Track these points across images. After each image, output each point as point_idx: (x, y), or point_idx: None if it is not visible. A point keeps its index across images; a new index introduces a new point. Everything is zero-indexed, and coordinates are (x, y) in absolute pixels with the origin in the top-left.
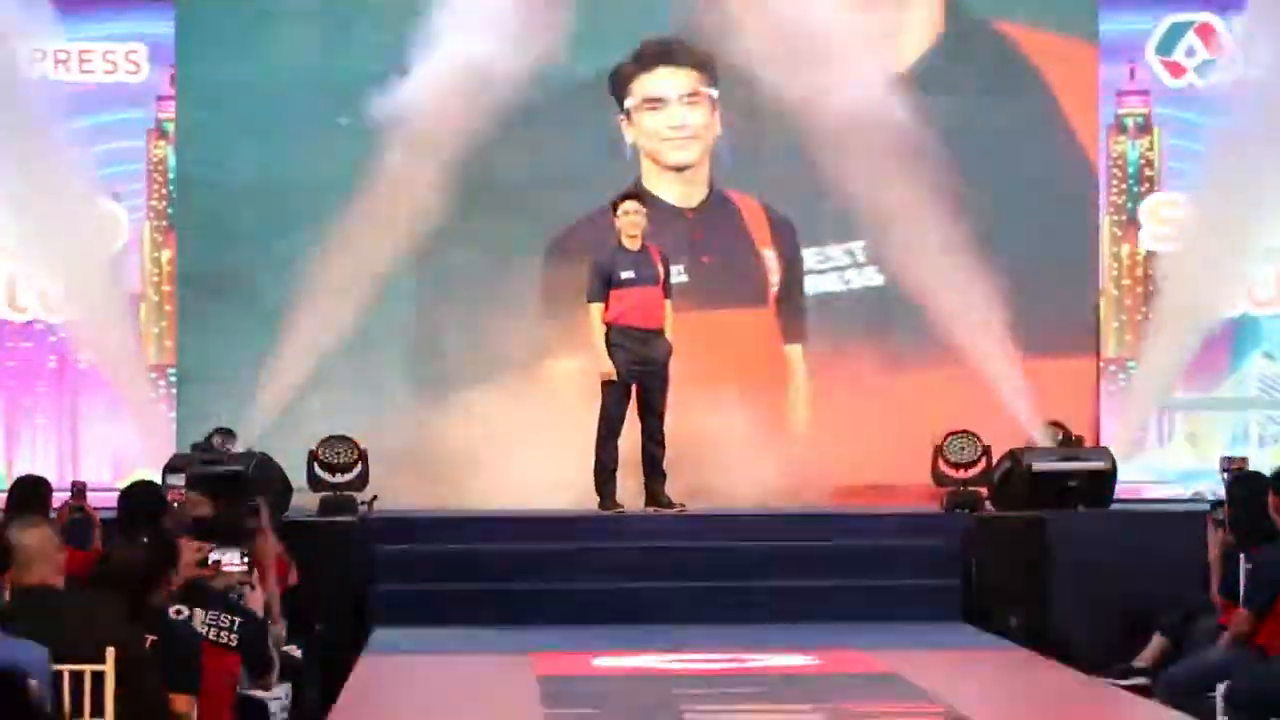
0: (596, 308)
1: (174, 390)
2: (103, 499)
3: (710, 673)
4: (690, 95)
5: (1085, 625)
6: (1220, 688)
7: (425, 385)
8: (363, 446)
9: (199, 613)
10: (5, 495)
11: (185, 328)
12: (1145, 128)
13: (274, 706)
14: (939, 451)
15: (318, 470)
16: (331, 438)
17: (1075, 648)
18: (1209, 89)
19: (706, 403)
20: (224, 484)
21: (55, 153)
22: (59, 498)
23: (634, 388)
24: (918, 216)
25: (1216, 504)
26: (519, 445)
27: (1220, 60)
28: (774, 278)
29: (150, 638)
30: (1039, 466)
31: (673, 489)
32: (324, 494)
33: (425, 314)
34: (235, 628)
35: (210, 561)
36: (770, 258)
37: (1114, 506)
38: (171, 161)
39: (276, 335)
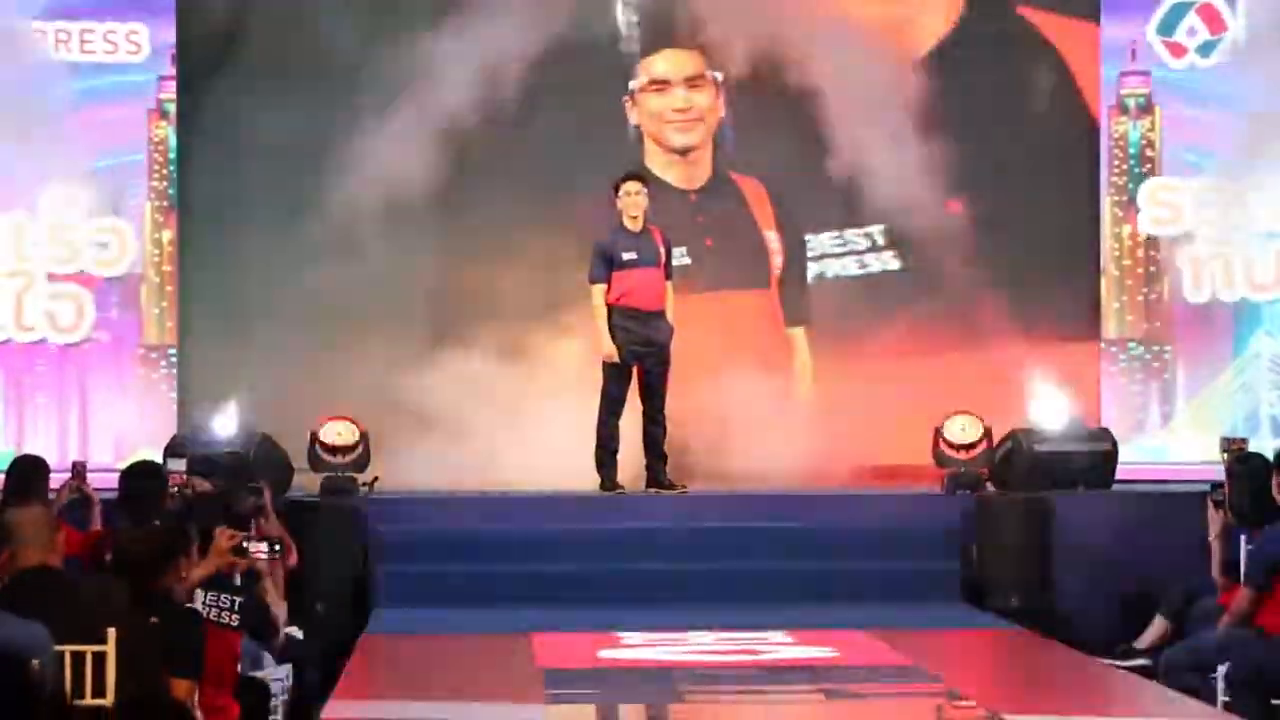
0: (598, 289)
1: (175, 371)
2: (104, 479)
3: (717, 664)
4: (695, 78)
5: (1086, 606)
6: (1221, 668)
7: (428, 367)
8: (364, 428)
9: (199, 593)
10: (4, 475)
11: (186, 308)
12: (1146, 108)
13: (275, 687)
14: (940, 432)
15: (319, 451)
16: (333, 419)
17: (1076, 629)
18: (1210, 69)
19: (708, 385)
20: (225, 466)
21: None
22: (59, 478)
23: (635, 369)
24: (928, 199)
25: (1216, 484)
26: (520, 426)
27: (1222, 40)
28: (776, 260)
29: (152, 620)
30: (1040, 447)
31: (674, 470)
32: (325, 475)
33: (429, 296)
34: (235, 607)
35: (245, 550)
36: (772, 239)
37: (1115, 487)
38: (172, 141)
39: (277, 317)
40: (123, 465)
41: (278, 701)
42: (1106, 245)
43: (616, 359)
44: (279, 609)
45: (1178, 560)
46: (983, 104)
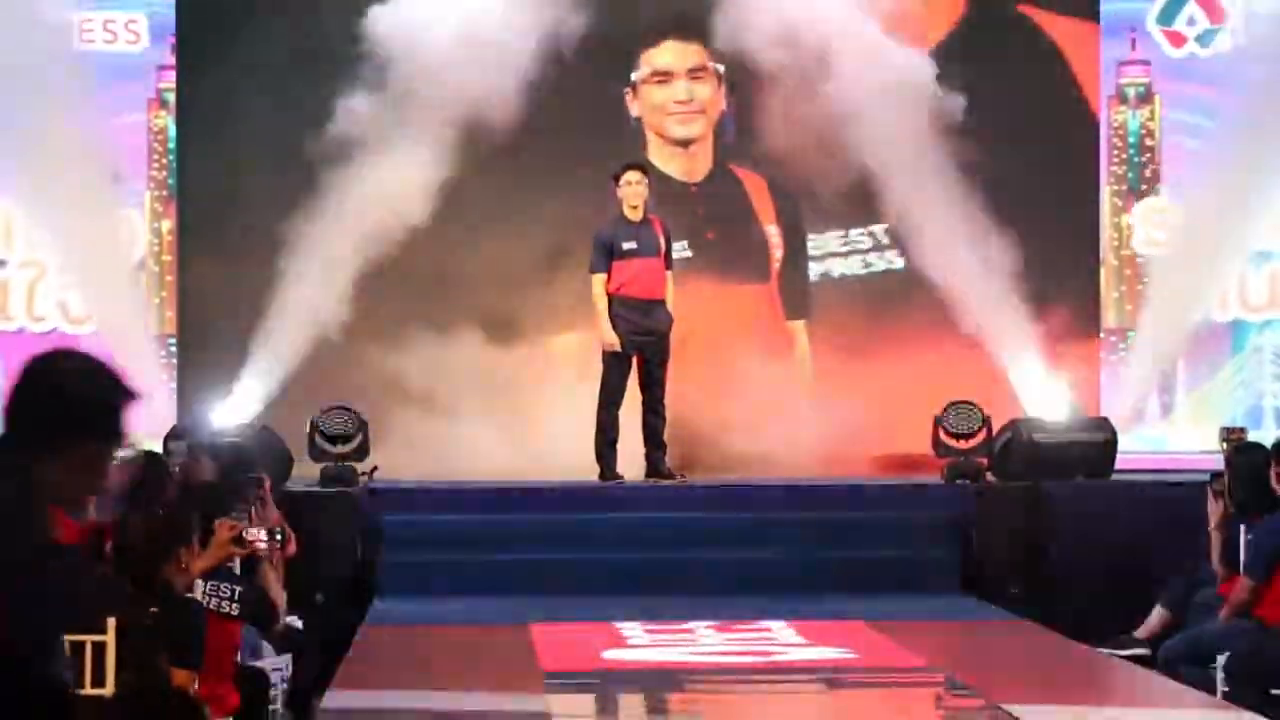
0: (598, 279)
1: (174, 360)
2: None
3: (725, 665)
4: (697, 69)
5: (1085, 596)
6: (1220, 658)
7: (429, 356)
8: (363, 417)
9: (199, 583)
10: None
11: (186, 297)
12: (1146, 98)
13: (274, 677)
14: (939, 422)
15: (318, 441)
16: (332, 408)
17: (1075, 618)
18: (1210, 59)
19: (708, 376)
20: (225, 455)
21: (69, 140)
22: None
23: (635, 359)
24: (930, 194)
25: (1216, 474)
26: (520, 416)
27: (1221, 30)
28: (777, 254)
29: (152, 609)
30: (1040, 437)
31: (684, 459)
32: (325, 465)
33: (431, 285)
34: (235, 596)
35: (245, 540)
36: (773, 234)
37: (1115, 477)
38: (172, 131)
39: (277, 305)
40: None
41: (277, 691)
42: (1106, 235)
43: (617, 348)
44: (279, 596)
45: (1177, 550)
46: (984, 98)
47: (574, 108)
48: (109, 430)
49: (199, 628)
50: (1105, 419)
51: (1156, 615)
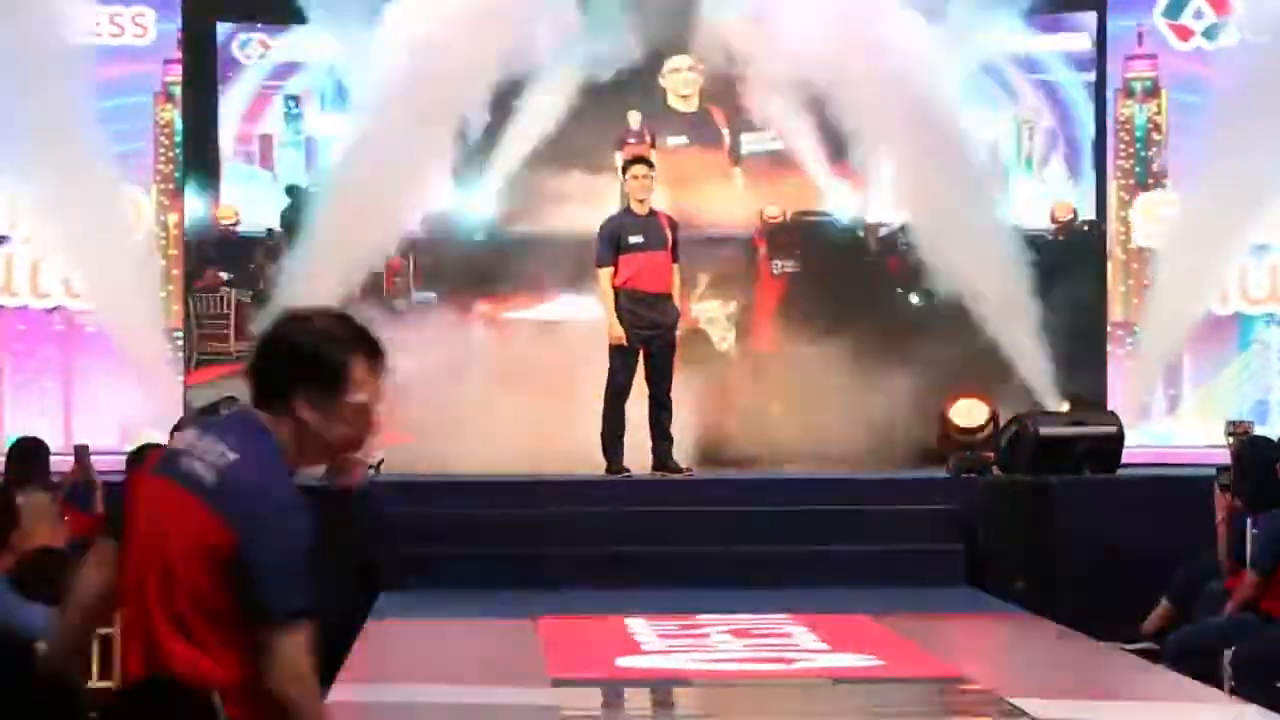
0: (605, 272)
1: (181, 354)
2: (109, 462)
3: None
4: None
5: (1091, 589)
6: (1227, 653)
7: (434, 348)
8: None
9: None
10: (4, 458)
11: (193, 291)
12: (1153, 91)
13: None
14: (946, 416)
15: None
16: None
17: (1081, 612)
18: (1217, 52)
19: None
20: None
21: (75, 128)
22: (63, 460)
23: (642, 352)
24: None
25: (1223, 469)
26: (527, 409)
27: (1227, 23)
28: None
29: None
30: (1046, 431)
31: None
32: None
33: (434, 276)
34: None
35: None
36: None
37: (1121, 471)
38: (178, 125)
39: (282, 299)
40: (129, 448)
41: None
42: (1113, 229)
43: (624, 342)
44: None
45: (1183, 544)
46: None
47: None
48: (342, 381)
49: None
50: (1112, 412)
51: (1162, 609)
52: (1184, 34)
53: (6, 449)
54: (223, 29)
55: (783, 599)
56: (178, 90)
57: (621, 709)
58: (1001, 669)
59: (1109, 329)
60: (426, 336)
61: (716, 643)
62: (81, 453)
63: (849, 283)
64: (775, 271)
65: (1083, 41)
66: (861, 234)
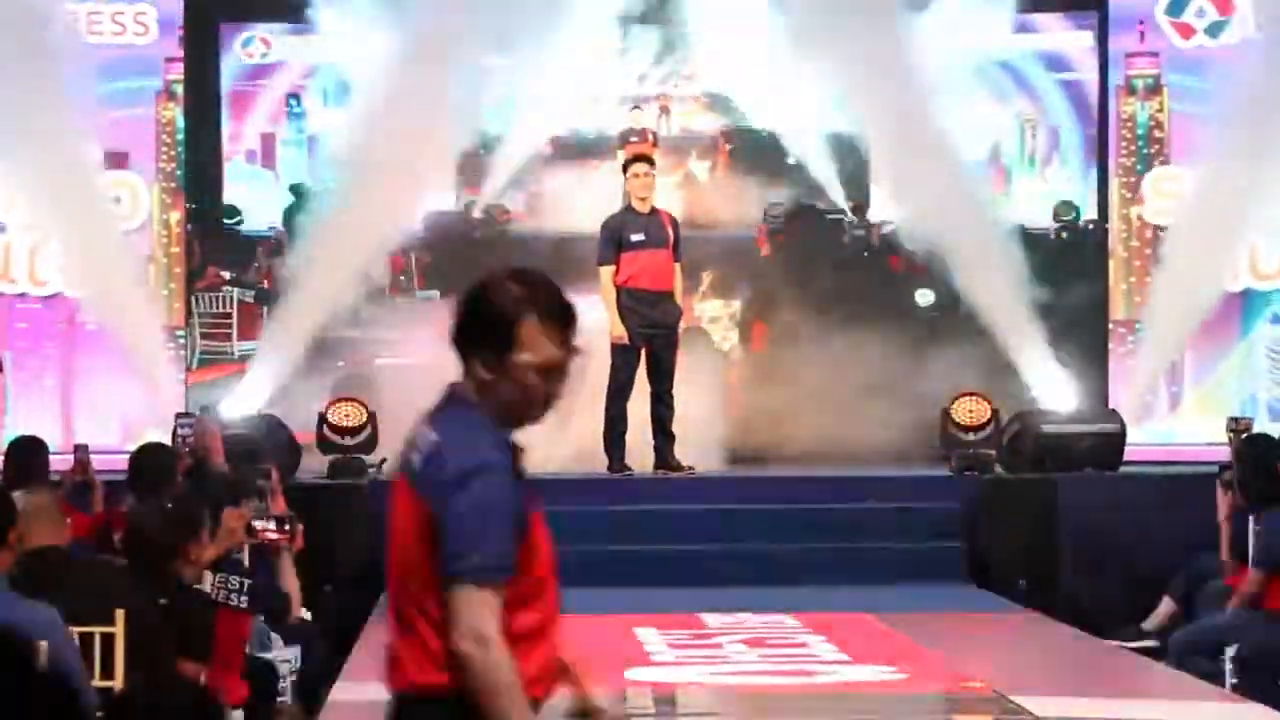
0: (606, 270)
1: (183, 352)
2: (109, 461)
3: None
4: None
5: (1094, 588)
6: (1230, 650)
7: (437, 347)
8: (372, 408)
9: (208, 575)
10: (3, 457)
11: (195, 288)
12: (1155, 89)
13: (283, 669)
14: (948, 414)
15: (327, 433)
16: (341, 399)
17: (1084, 610)
18: (1219, 50)
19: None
20: (233, 448)
21: (72, 117)
22: (62, 460)
23: (643, 350)
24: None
25: (1225, 466)
26: None
27: (1230, 21)
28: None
29: (161, 601)
30: (1048, 429)
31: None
32: (333, 456)
33: (435, 275)
34: (245, 589)
35: (254, 529)
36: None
37: (1123, 469)
38: (180, 123)
39: (285, 298)
40: (130, 447)
41: (286, 683)
42: (1115, 227)
43: (625, 340)
44: (294, 588)
45: (1185, 542)
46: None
47: None
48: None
49: (208, 620)
50: (1114, 411)
51: (1165, 607)
52: (1186, 32)
53: (6, 447)
54: (225, 28)
55: (785, 597)
56: (180, 89)
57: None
58: (1003, 667)
59: (1110, 327)
60: (429, 335)
61: (730, 653)
62: (81, 452)
63: (851, 280)
64: (777, 268)
65: (1085, 39)
66: (864, 232)
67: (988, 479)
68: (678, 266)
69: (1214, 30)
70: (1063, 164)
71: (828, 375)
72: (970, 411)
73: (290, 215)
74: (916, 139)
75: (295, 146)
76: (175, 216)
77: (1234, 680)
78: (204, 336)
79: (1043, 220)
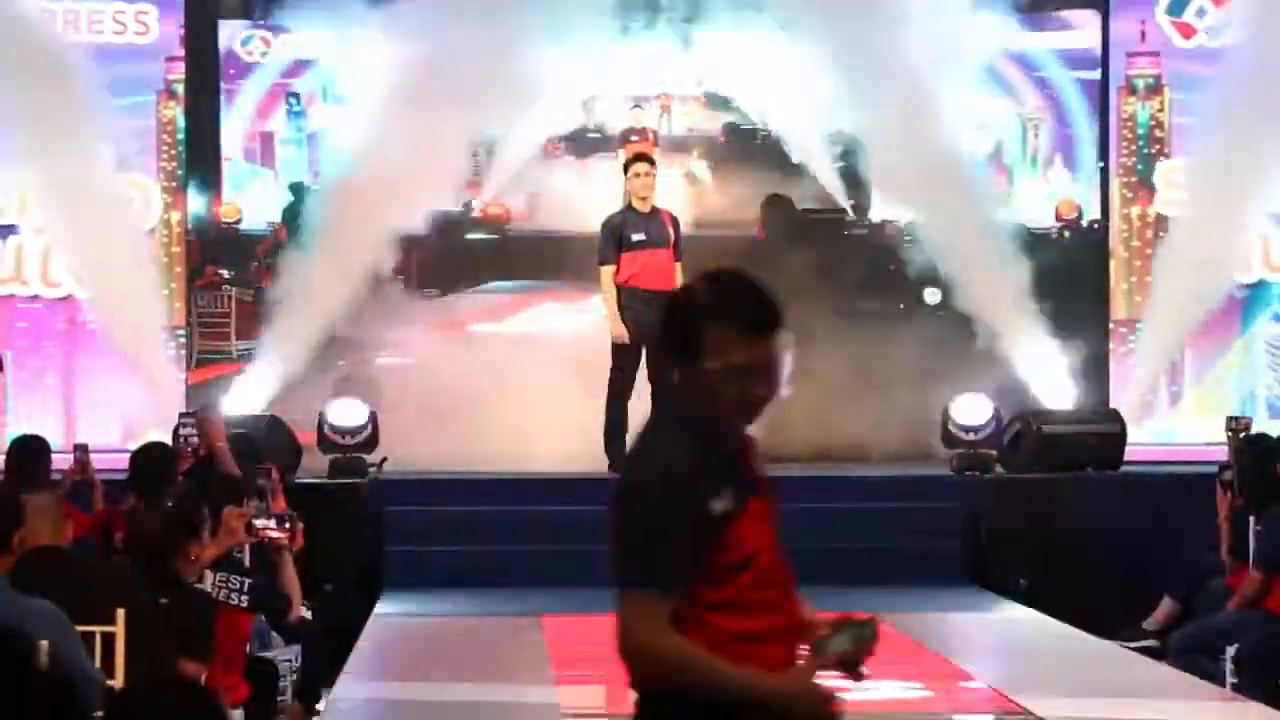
0: (607, 270)
1: (184, 351)
2: (110, 460)
3: None
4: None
5: (1094, 587)
6: (1230, 650)
7: (438, 347)
8: (373, 407)
9: (208, 574)
10: (5, 456)
11: (193, 289)
12: (1155, 89)
13: (284, 668)
14: (948, 414)
15: (327, 432)
16: (341, 399)
17: (1084, 610)
18: (1219, 50)
19: None
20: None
21: (80, 119)
22: (62, 459)
23: (644, 349)
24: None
25: (1225, 466)
26: (529, 407)
27: (1230, 20)
28: None
29: (162, 601)
30: (1049, 429)
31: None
32: (334, 456)
33: (435, 275)
34: (245, 588)
35: (254, 528)
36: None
37: (1124, 469)
38: (180, 122)
39: (286, 299)
40: (131, 446)
41: (286, 681)
42: (1115, 226)
43: (625, 339)
44: (294, 588)
45: (1186, 542)
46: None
47: None
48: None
49: (209, 619)
50: (1115, 410)
51: (1165, 607)
52: (1187, 31)
53: (8, 446)
54: (225, 26)
55: None
56: (181, 88)
57: None
58: (1003, 667)
59: (1111, 326)
60: (429, 334)
61: None
62: (81, 452)
63: (851, 280)
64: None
65: (1086, 39)
66: (865, 231)
67: (988, 479)
68: (679, 266)
69: (1214, 30)
70: (1065, 163)
71: (827, 375)
72: (971, 411)
73: (289, 214)
74: (918, 138)
75: (294, 145)
76: (176, 216)
77: (1234, 680)
78: (202, 336)
79: (1045, 220)
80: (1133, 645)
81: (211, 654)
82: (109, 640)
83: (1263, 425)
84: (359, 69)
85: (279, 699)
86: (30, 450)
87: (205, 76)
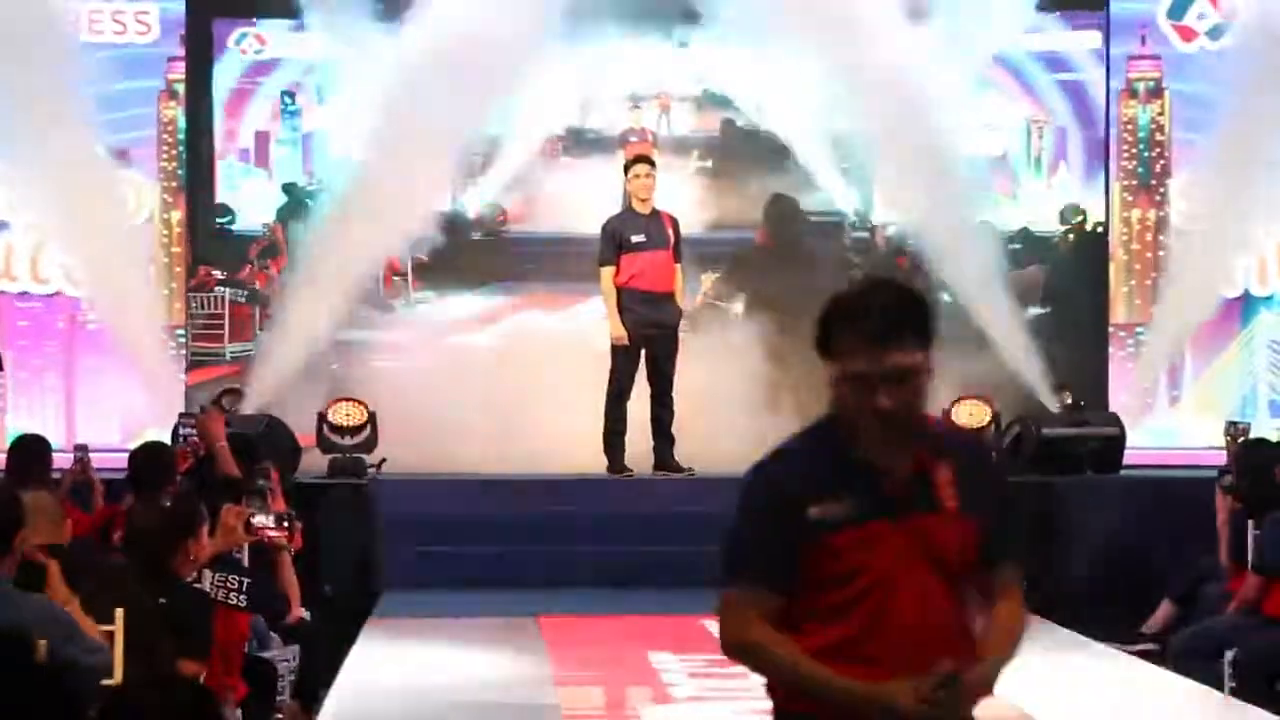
0: (606, 271)
1: (184, 351)
2: (109, 460)
3: None
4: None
5: (1093, 591)
6: (1229, 654)
7: (436, 348)
8: (372, 408)
9: (207, 574)
10: (5, 455)
11: (189, 289)
12: (1156, 92)
13: (282, 668)
14: (947, 416)
15: (327, 432)
16: (341, 399)
17: (1083, 613)
18: (1220, 53)
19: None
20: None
21: (74, 115)
22: (62, 458)
23: (643, 351)
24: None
25: (1225, 470)
26: (529, 408)
27: (1231, 24)
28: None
29: (160, 600)
30: (1048, 432)
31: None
32: (333, 456)
33: (432, 276)
34: (243, 588)
35: (252, 526)
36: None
37: (1123, 472)
38: (181, 123)
39: (280, 299)
40: (131, 446)
41: (285, 683)
42: (1115, 230)
43: (625, 341)
44: (293, 588)
45: (1185, 545)
46: None
47: None
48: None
49: (207, 619)
50: (1114, 414)
51: (1164, 611)
52: (1188, 35)
53: (8, 446)
54: (220, 25)
55: None
56: (181, 88)
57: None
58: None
59: (1111, 330)
60: (426, 336)
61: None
62: (80, 451)
63: (853, 281)
64: (778, 271)
65: (1089, 41)
66: (867, 234)
67: None
68: (679, 268)
69: (1215, 33)
70: (1069, 167)
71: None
72: (970, 414)
73: (284, 215)
74: (920, 141)
75: (290, 145)
76: (176, 216)
77: (1233, 684)
78: (195, 338)
79: (1049, 224)
80: (1131, 649)
81: (210, 653)
82: (107, 639)
83: (1264, 425)
84: (355, 68)
85: (278, 699)
86: (30, 450)
87: (200, 76)
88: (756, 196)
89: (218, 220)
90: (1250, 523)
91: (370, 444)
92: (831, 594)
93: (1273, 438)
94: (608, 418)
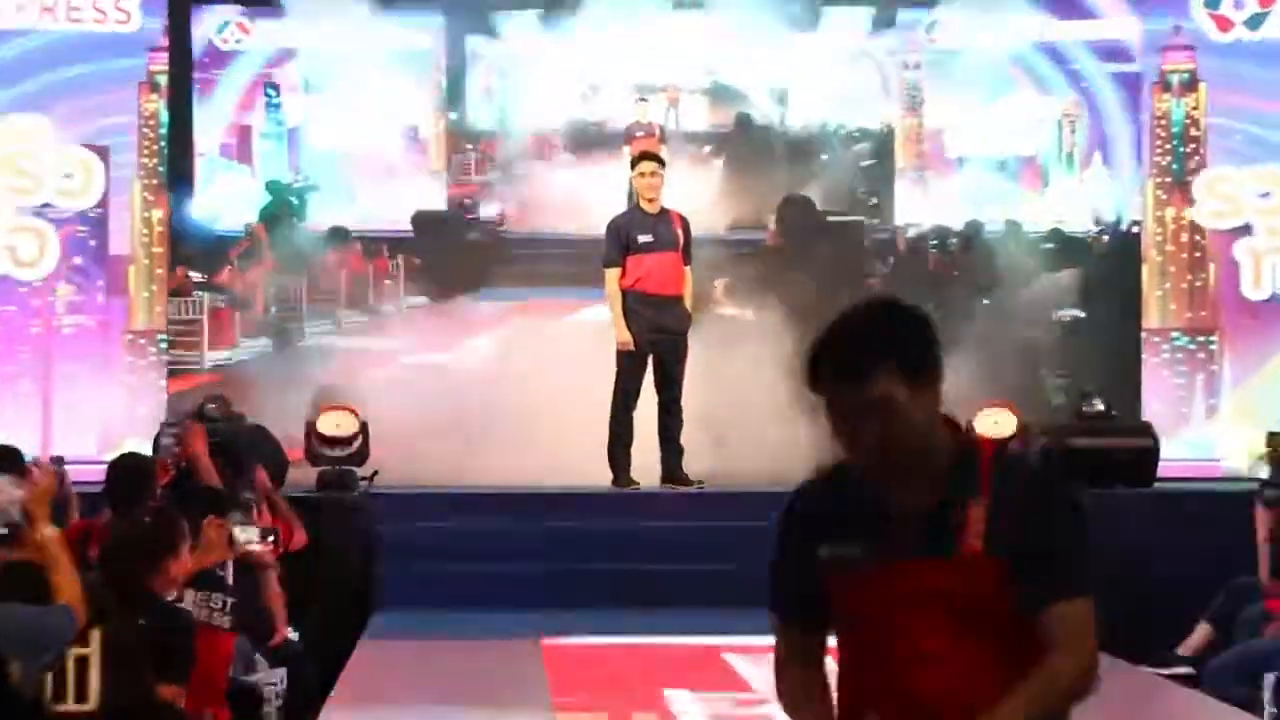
0: (612, 273)
1: (165, 357)
2: (89, 472)
3: None
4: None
5: (1126, 610)
6: (1269, 677)
7: (433, 356)
8: (363, 418)
9: (189, 593)
10: None
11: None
12: (1191, 85)
13: (268, 692)
14: (971, 426)
15: (316, 443)
16: (331, 409)
17: (1116, 634)
18: (1260, 43)
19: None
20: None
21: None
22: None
23: (650, 357)
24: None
25: (1265, 484)
26: (530, 418)
27: (1271, 12)
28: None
29: (140, 621)
30: (1077, 444)
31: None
32: (322, 468)
33: (423, 279)
34: (227, 608)
35: (234, 540)
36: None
37: (1157, 485)
38: (163, 116)
39: (275, 303)
40: (108, 456)
41: (271, 707)
42: (1149, 230)
43: (631, 347)
44: (278, 607)
45: (1223, 562)
46: None
47: None
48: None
49: (188, 640)
50: (1147, 424)
51: (1201, 631)
52: (1225, 25)
53: None
54: (200, 13)
55: None
56: (163, 80)
57: None
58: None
59: (1144, 335)
60: (417, 342)
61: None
62: (56, 464)
63: (872, 285)
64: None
65: (1123, 31)
66: (888, 235)
67: None
68: (688, 270)
69: (1254, 22)
70: (1104, 162)
71: None
72: (996, 423)
73: (267, 214)
74: (945, 136)
75: (273, 140)
76: (158, 215)
77: (1273, 709)
78: (171, 345)
79: (1082, 222)
80: (1166, 672)
81: (189, 676)
82: (83, 662)
83: None
84: (342, 59)
85: None
86: (2, 460)
87: (179, 67)
88: (771, 196)
89: (195, 219)
90: None
91: (362, 456)
92: (845, 636)
93: None
94: (613, 427)
